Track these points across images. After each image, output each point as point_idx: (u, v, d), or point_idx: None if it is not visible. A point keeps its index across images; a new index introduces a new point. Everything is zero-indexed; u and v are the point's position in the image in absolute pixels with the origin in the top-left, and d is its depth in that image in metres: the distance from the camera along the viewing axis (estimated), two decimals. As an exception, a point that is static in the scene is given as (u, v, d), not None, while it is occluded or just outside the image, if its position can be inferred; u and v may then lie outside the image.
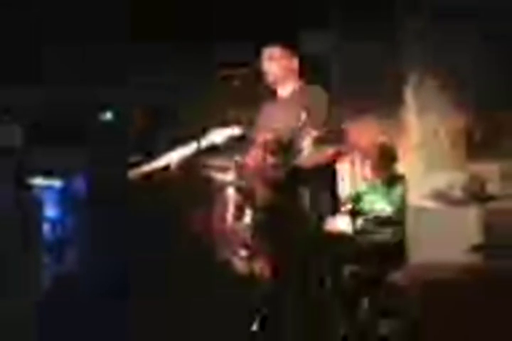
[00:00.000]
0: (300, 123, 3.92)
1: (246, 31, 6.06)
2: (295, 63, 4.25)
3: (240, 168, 4.61)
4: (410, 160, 5.78)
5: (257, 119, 4.37)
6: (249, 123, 4.81)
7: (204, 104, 6.50)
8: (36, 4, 5.96)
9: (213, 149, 4.90)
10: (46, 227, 5.48)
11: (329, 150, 3.95)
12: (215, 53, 6.38)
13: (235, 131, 4.90)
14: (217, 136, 4.94)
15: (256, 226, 4.27)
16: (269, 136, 4.10)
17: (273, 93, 4.32)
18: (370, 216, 5.36)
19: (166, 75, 6.52)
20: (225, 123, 5.15)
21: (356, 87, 6.32)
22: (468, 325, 4.40)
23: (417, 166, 5.78)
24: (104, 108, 5.98)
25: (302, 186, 4.07)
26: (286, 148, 4.06)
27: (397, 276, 5.20)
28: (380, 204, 5.40)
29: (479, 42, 5.83)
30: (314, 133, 3.91)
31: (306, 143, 3.96)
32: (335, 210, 4.46)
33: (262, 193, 4.16)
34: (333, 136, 3.94)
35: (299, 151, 3.99)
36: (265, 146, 4.11)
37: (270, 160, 4.10)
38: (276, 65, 4.22)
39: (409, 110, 5.98)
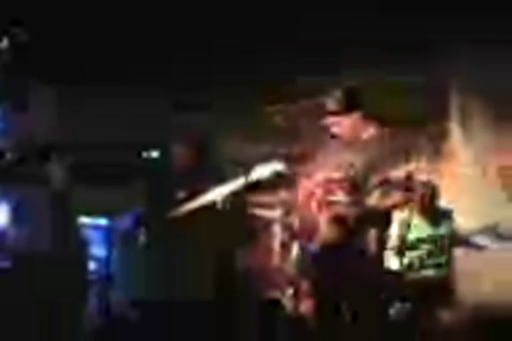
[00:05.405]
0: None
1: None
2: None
3: (287, 205, 4.62)
4: (457, 193, 5.69)
5: (316, 156, 4.43)
6: (289, 159, 4.82)
7: (247, 140, 6.53)
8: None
9: (256, 185, 4.90)
10: (93, 266, 5.51)
11: (396, 196, 4.00)
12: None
13: (278, 166, 4.90)
14: (261, 171, 4.93)
15: (313, 262, 4.27)
16: (337, 173, 4.14)
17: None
18: (418, 252, 5.31)
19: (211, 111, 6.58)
20: (267, 159, 5.15)
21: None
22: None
23: (464, 200, 5.69)
24: (148, 147, 6.03)
25: (368, 225, 4.12)
26: (360, 187, 4.11)
27: (446, 315, 5.11)
28: (426, 242, 5.34)
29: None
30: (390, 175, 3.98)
31: (376, 185, 4.02)
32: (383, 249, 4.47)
33: (325, 230, 4.18)
34: (402, 182, 4.00)
35: (369, 191, 4.05)
36: (330, 182, 4.15)
37: (339, 196, 4.13)
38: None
39: (454, 143, 5.90)
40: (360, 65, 6.05)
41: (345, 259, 4.08)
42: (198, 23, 6.23)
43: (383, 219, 4.21)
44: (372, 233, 4.15)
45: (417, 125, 5.91)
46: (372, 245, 4.16)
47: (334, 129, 4.25)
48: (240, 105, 6.52)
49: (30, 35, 5.74)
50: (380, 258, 4.24)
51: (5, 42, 5.31)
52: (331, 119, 4.23)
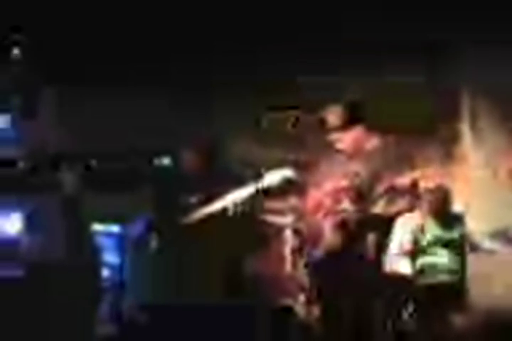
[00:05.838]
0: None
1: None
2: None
3: (298, 211, 4.65)
4: (470, 197, 5.69)
5: (322, 165, 4.47)
6: (296, 165, 4.84)
7: (253, 146, 6.51)
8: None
9: (266, 192, 4.91)
10: (106, 273, 5.55)
11: (401, 203, 4.05)
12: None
13: (288, 173, 4.92)
14: (272, 178, 4.94)
15: (316, 267, 4.32)
16: (344, 182, 4.20)
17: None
18: (430, 257, 5.29)
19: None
20: (277, 165, 5.15)
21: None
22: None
23: (475, 203, 5.69)
24: (160, 153, 6.05)
25: (371, 232, 4.18)
26: (365, 195, 4.17)
27: (457, 319, 5.11)
28: (439, 247, 5.33)
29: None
30: (395, 182, 4.03)
31: (381, 194, 4.07)
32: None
33: (330, 236, 4.23)
34: (405, 188, 4.04)
35: (375, 200, 4.10)
36: (338, 191, 4.21)
37: (345, 205, 4.19)
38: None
39: (465, 146, 5.90)
40: (362, 67, 6.04)
41: (347, 264, 4.13)
42: (199, 23, 6.23)
43: (385, 224, 4.26)
44: (374, 238, 4.20)
45: (424, 129, 5.89)
46: (373, 250, 4.21)
47: (338, 145, 4.30)
48: (240, 106, 6.51)
49: (31, 38, 5.77)
50: (380, 262, 4.29)
51: (16, 53, 5.35)
52: (334, 136, 4.29)
